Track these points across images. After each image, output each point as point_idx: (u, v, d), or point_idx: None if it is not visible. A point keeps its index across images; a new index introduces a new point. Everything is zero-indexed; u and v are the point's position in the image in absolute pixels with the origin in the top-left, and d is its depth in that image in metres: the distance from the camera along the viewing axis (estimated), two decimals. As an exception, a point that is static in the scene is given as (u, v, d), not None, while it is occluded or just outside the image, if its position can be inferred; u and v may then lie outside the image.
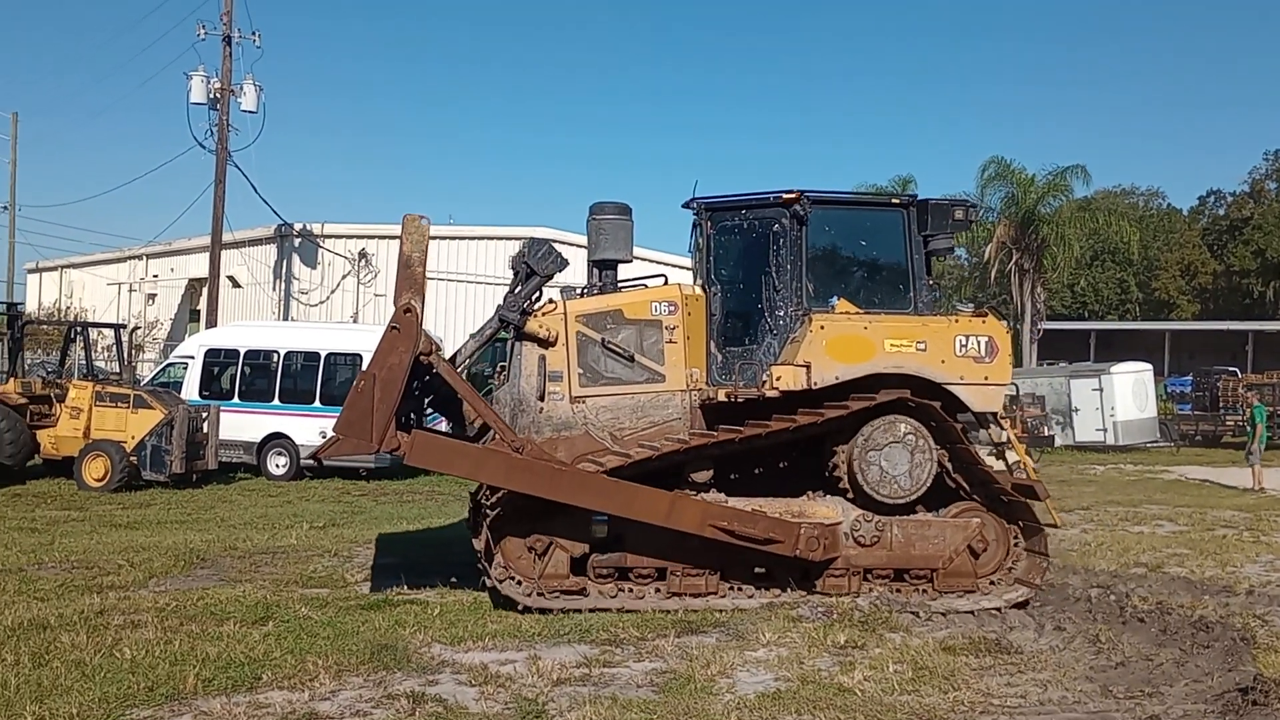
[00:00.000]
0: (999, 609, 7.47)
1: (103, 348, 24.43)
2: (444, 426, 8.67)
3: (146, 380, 18.88)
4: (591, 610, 7.17)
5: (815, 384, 7.39)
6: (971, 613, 7.41)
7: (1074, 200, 33.06)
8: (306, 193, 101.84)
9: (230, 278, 26.53)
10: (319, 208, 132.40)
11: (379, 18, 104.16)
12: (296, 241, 26.30)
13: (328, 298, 26.25)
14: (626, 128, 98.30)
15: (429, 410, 8.01)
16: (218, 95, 23.89)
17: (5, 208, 36.82)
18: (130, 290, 33.90)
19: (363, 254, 26.09)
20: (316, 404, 16.69)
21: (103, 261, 36.02)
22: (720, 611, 7.25)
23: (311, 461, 7.80)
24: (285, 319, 24.90)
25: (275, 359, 17.39)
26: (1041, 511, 7.77)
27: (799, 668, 5.95)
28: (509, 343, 8.00)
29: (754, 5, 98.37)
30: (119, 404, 15.19)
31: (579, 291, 8.24)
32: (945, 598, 7.56)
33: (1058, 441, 25.61)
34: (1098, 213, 36.63)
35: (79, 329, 18.42)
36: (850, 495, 7.61)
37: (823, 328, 7.49)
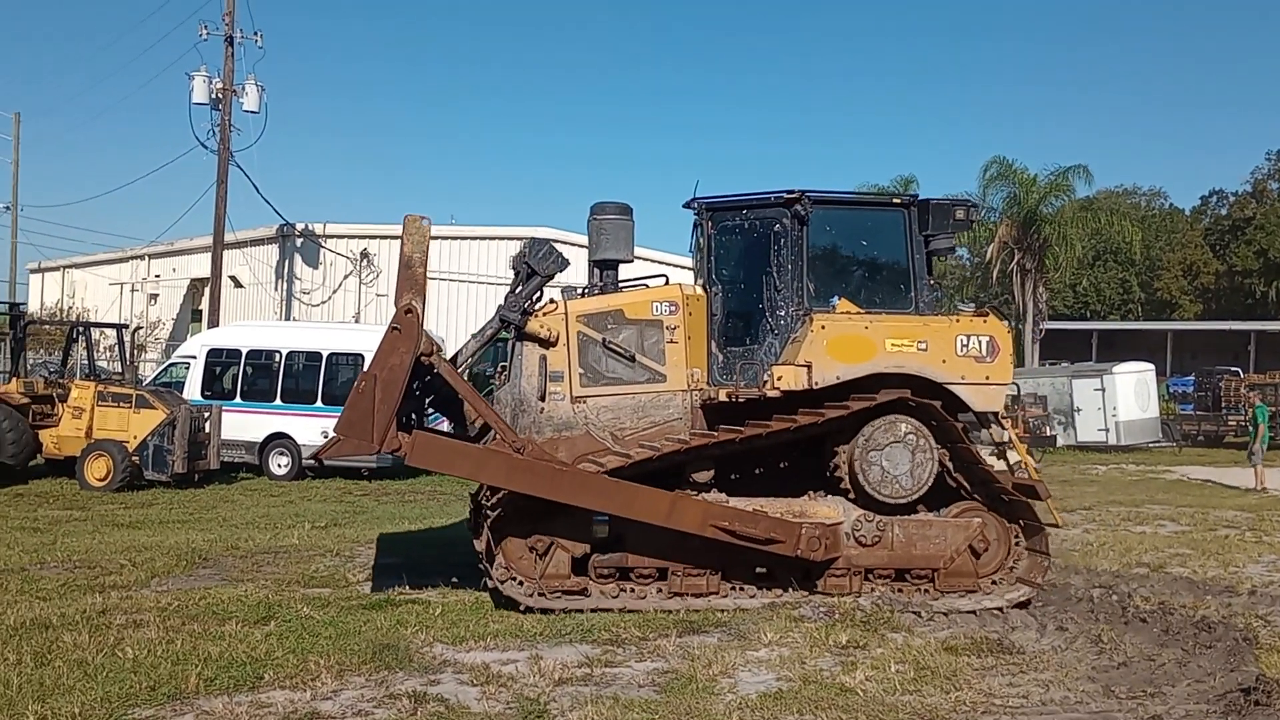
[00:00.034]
0: (1001, 609, 7.47)
1: (105, 348, 24.49)
2: (445, 427, 8.68)
3: (148, 380, 18.90)
4: (593, 610, 7.17)
5: (816, 384, 7.39)
6: (973, 612, 7.41)
7: (1076, 200, 33.07)
8: (308, 193, 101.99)
9: (232, 278, 26.57)
10: (321, 208, 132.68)
11: (379, 18, 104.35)
12: (298, 241, 26.33)
13: (329, 298, 26.27)
14: (626, 128, 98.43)
15: (430, 410, 8.02)
16: (220, 95, 23.92)
17: (8, 208, 36.89)
18: (132, 290, 33.95)
19: (364, 254, 26.12)
20: (318, 404, 16.70)
21: (105, 261, 36.08)
22: (722, 611, 7.25)
23: (312, 462, 7.82)
24: (287, 319, 24.92)
25: (277, 359, 17.40)
26: (1043, 511, 7.76)
27: (801, 668, 5.95)
28: (510, 343, 8.00)
29: (754, 5, 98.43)
30: (121, 404, 15.21)
31: (580, 291, 8.24)
32: (947, 597, 7.55)
33: (1060, 441, 25.60)
34: (1100, 212, 36.64)
35: (81, 329, 18.44)
36: (851, 495, 7.60)
37: (824, 327, 7.49)
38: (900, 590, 7.62)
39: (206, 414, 15.50)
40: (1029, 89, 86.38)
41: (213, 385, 17.52)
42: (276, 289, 26.49)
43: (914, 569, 7.64)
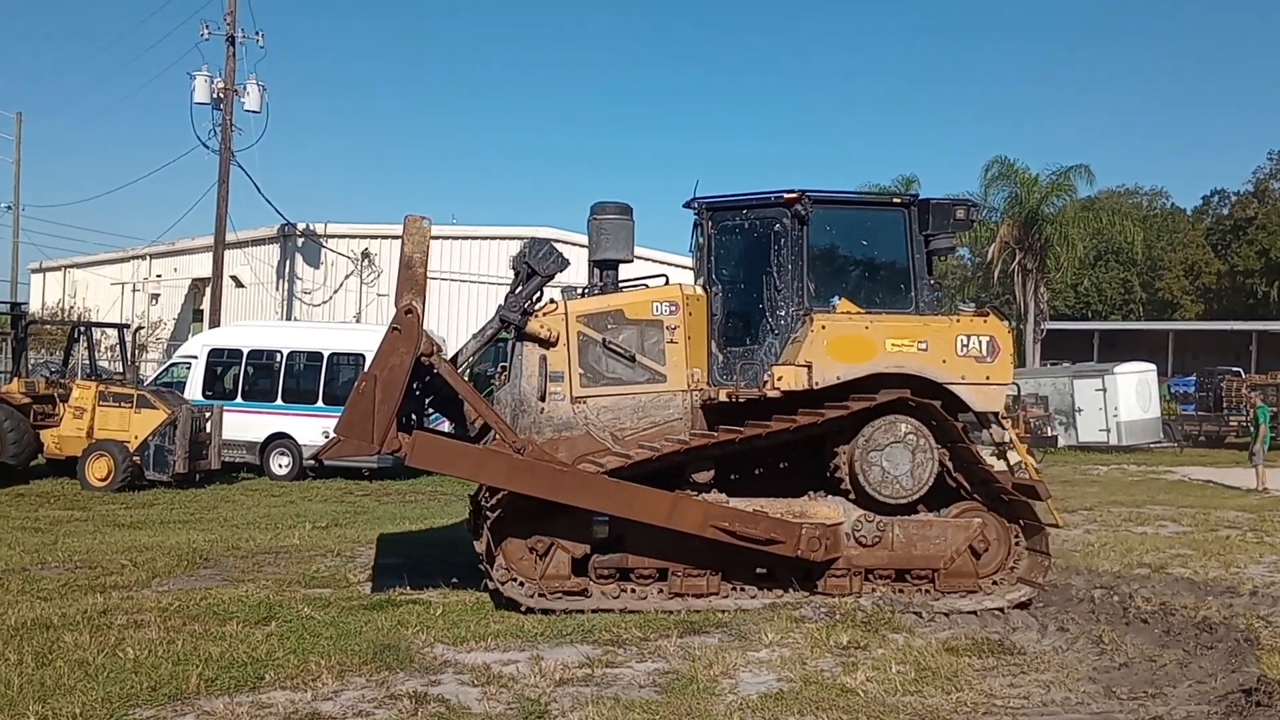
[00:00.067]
0: (1002, 609, 7.46)
1: (106, 347, 24.51)
2: (446, 427, 8.68)
3: (150, 380, 18.92)
4: (594, 611, 7.17)
5: (817, 384, 7.39)
6: (974, 613, 7.40)
7: (1077, 200, 33.03)
8: (309, 192, 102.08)
9: (233, 277, 26.58)
10: (322, 207, 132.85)
11: (380, 18, 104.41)
12: (299, 241, 26.34)
13: (331, 298, 26.28)
14: (626, 128, 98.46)
15: (430, 411, 8.01)
16: (221, 95, 23.93)
17: (9, 207, 36.91)
18: (134, 290, 33.98)
19: (365, 254, 26.13)
20: (319, 404, 16.71)
21: (106, 261, 36.11)
22: (723, 612, 7.25)
23: (312, 462, 7.82)
24: (288, 319, 24.93)
25: (278, 359, 17.41)
26: (1043, 511, 7.75)
27: (801, 668, 5.95)
28: (510, 343, 8.00)
29: (754, 5, 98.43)
30: (122, 404, 15.22)
31: (580, 291, 8.24)
32: (947, 598, 7.55)
33: (1061, 442, 25.59)
34: (1101, 212, 36.62)
35: (82, 329, 18.45)
36: (851, 496, 7.60)
37: (824, 327, 7.48)
38: (901, 591, 7.61)
39: (207, 414, 15.51)
40: (1029, 89, 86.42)
41: (214, 385, 17.53)
42: (278, 289, 26.50)
43: (914, 569, 7.63)
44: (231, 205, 23.92)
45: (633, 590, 7.43)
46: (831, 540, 7.43)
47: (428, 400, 7.74)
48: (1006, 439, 8.04)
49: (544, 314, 7.63)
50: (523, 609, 7.10)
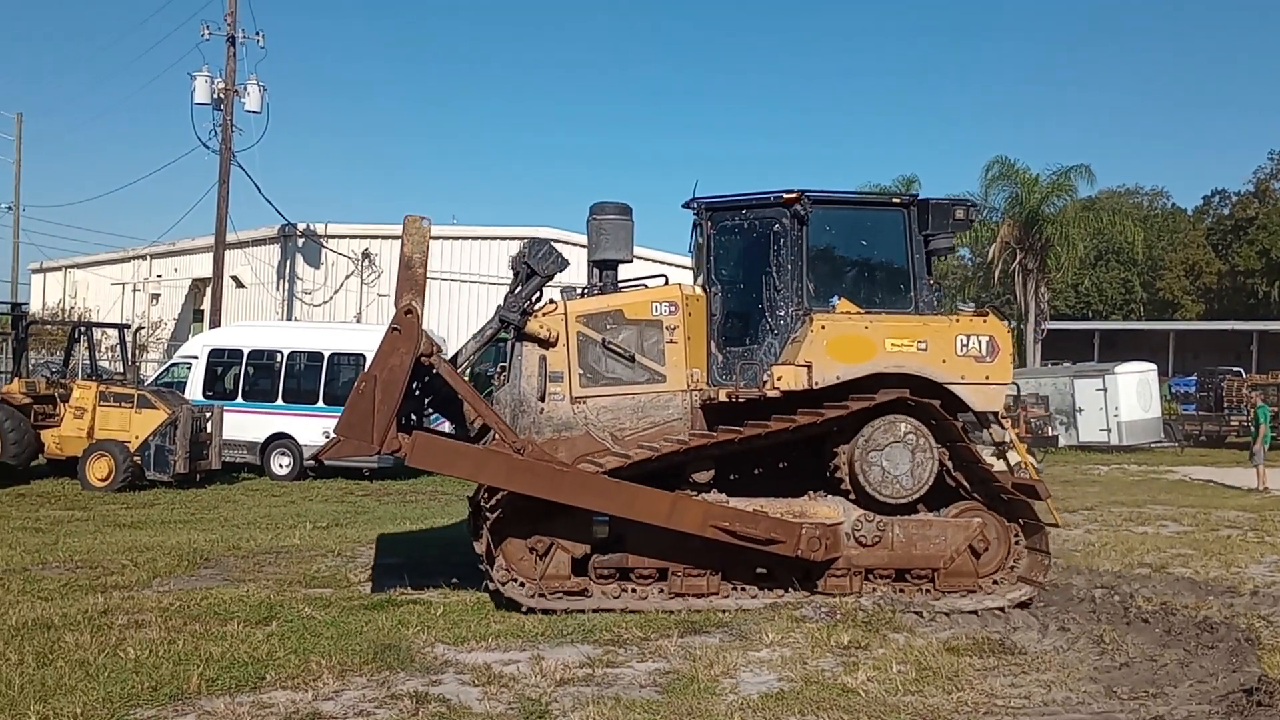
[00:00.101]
0: (1003, 608, 7.46)
1: (107, 348, 24.53)
2: (447, 427, 8.68)
3: (150, 380, 18.93)
4: (595, 611, 7.17)
5: (816, 384, 7.39)
6: (975, 612, 7.40)
7: (1078, 200, 33.03)
8: (310, 193, 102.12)
9: (234, 278, 26.58)
10: (322, 208, 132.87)
11: (380, 18, 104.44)
12: (300, 241, 26.35)
13: (331, 298, 26.29)
14: (626, 128, 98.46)
15: (429, 411, 8.01)
16: (221, 95, 23.94)
17: (9, 208, 36.92)
18: (134, 290, 33.99)
19: (366, 254, 26.13)
20: (320, 404, 16.71)
21: (107, 262, 36.11)
22: (723, 612, 7.25)
23: (312, 462, 7.82)
24: (289, 319, 24.94)
25: (279, 359, 17.41)
26: (1043, 511, 7.75)
27: (802, 668, 5.95)
28: (509, 343, 8.00)
29: (754, 5, 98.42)
30: (123, 404, 15.22)
31: (579, 292, 8.24)
32: (948, 597, 7.55)
33: (1061, 442, 25.58)
34: (1102, 212, 36.60)
35: (83, 329, 18.46)
36: (851, 495, 7.60)
37: (824, 327, 7.48)
38: (901, 590, 7.62)
39: (208, 414, 15.51)
40: (1029, 89, 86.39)
41: (214, 385, 17.53)
42: (278, 289, 26.51)
43: (914, 569, 7.63)
44: (232, 205, 23.96)
45: (633, 590, 7.43)
46: (831, 540, 7.43)
47: (427, 400, 7.74)
48: (1006, 439, 8.04)
49: (543, 314, 7.63)
50: (523, 609, 7.10)
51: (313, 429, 16.08)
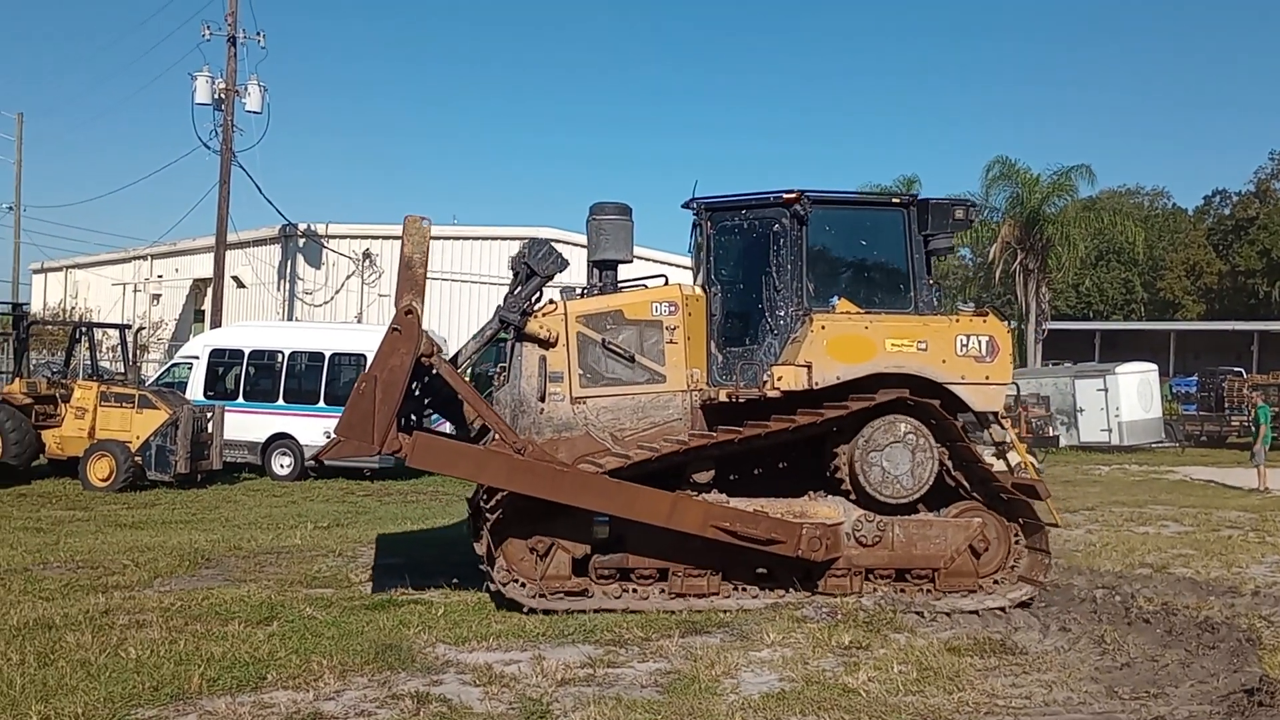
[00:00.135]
0: (1003, 608, 7.46)
1: (108, 348, 24.54)
2: (447, 428, 8.68)
3: (151, 380, 18.94)
4: (596, 611, 7.17)
5: (816, 384, 7.39)
6: (976, 612, 7.40)
7: (1079, 200, 33.02)
8: (310, 193, 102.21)
9: (235, 278, 26.59)
10: (323, 208, 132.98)
11: (380, 18, 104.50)
12: (301, 242, 26.36)
13: (332, 298, 26.29)
14: (626, 128, 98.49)
15: (429, 412, 8.01)
16: (222, 96, 23.95)
17: (10, 208, 36.98)
18: (135, 290, 34.00)
19: (367, 254, 26.14)
20: (321, 404, 16.72)
21: (108, 262, 36.13)
22: (724, 612, 7.25)
23: (313, 462, 7.82)
24: (289, 319, 24.95)
25: (280, 359, 17.42)
26: (1043, 511, 7.76)
27: (803, 668, 5.95)
28: (509, 343, 8.00)
29: (754, 5, 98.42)
30: (124, 404, 15.23)
31: (579, 292, 8.24)
32: (949, 597, 7.55)
33: (1062, 442, 25.57)
34: (1103, 212, 36.59)
35: (84, 329, 18.48)
36: (852, 495, 7.60)
37: (824, 328, 7.48)
38: (902, 590, 7.62)
39: (209, 414, 15.52)
40: (1029, 89, 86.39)
41: (215, 385, 17.54)
42: (279, 289, 26.52)
43: (914, 569, 7.63)
44: (233, 206, 23.97)
45: (634, 590, 7.44)
46: (832, 540, 7.43)
47: (427, 401, 7.75)
48: (1006, 439, 8.04)
49: (543, 314, 7.63)
50: (524, 610, 7.10)
51: (314, 429, 16.09)
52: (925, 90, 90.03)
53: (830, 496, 7.70)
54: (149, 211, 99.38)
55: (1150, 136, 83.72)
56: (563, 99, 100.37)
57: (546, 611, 7.10)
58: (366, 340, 16.07)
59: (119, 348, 19.20)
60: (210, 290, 24.98)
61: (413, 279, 7.04)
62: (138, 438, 14.82)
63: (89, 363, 18.04)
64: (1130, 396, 25.85)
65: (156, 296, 33.64)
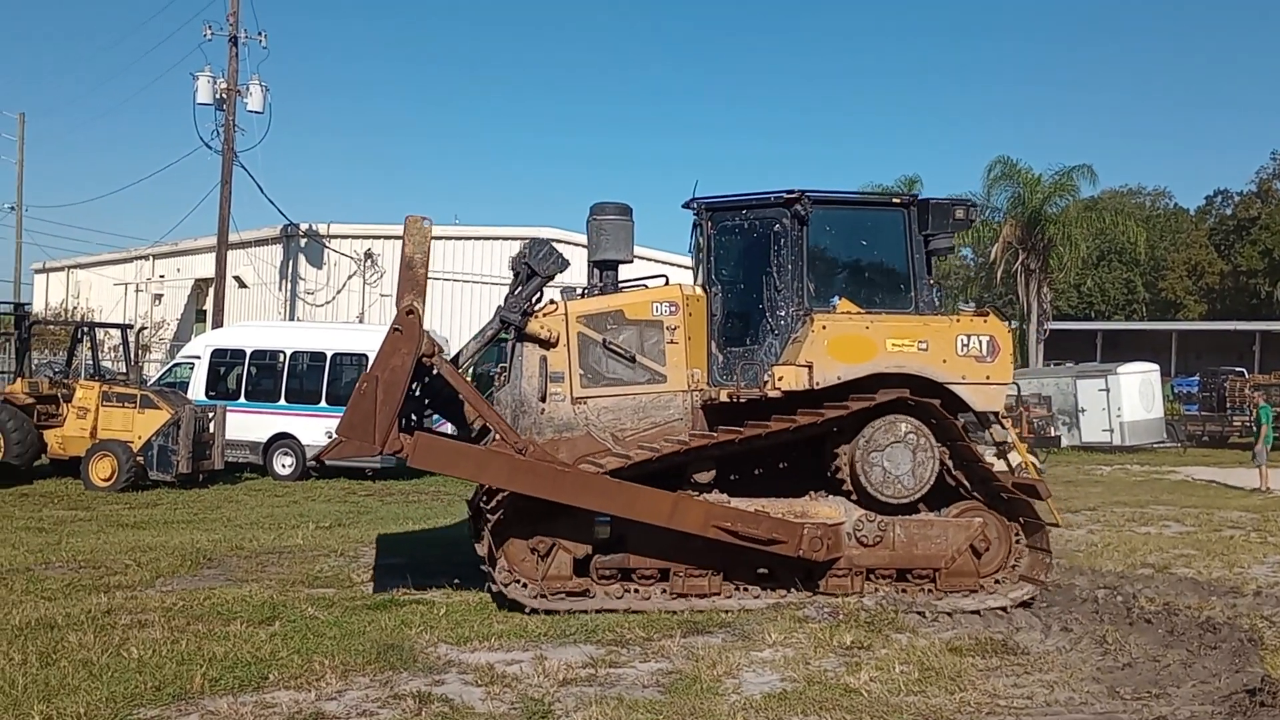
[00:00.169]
0: (1005, 608, 7.46)
1: (109, 348, 24.56)
2: (449, 428, 8.68)
3: (153, 380, 18.96)
4: (597, 611, 7.17)
5: (817, 384, 7.39)
6: (977, 612, 7.40)
7: (1080, 200, 32.97)
8: (312, 193, 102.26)
9: (236, 278, 26.61)
10: (324, 208, 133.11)
11: (381, 18, 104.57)
12: (302, 242, 26.37)
13: (334, 298, 26.30)
14: (626, 128, 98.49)
15: (429, 412, 8.01)
16: (224, 96, 23.96)
17: (12, 208, 37.01)
18: (137, 290, 34.03)
19: (368, 254, 26.15)
20: (322, 404, 16.74)
21: (109, 262, 36.15)
22: (726, 612, 7.25)
23: (314, 462, 7.84)
24: (291, 319, 24.95)
25: (281, 359, 17.43)
26: (1044, 511, 7.76)
27: (805, 668, 5.95)
28: (510, 344, 8.01)
29: (754, 5, 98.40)
30: (126, 404, 15.25)
31: (580, 292, 8.25)
32: (950, 597, 7.55)
33: (1064, 442, 25.55)
34: (1104, 212, 36.55)
35: (86, 329, 18.50)
36: (853, 496, 7.60)
37: (825, 328, 7.49)
38: (903, 590, 7.62)
39: (211, 414, 15.53)
40: (1030, 89, 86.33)
41: (217, 385, 17.56)
42: (280, 289, 26.54)
43: (916, 569, 7.63)
44: (234, 206, 23.98)
45: (635, 590, 7.44)
46: (833, 540, 7.43)
47: (427, 401, 7.75)
48: (1007, 439, 8.04)
49: (544, 315, 7.63)
50: (526, 610, 7.11)
51: (315, 429, 16.10)
52: (925, 90, 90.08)
53: (831, 496, 7.70)
54: (151, 211, 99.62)
55: (1152, 136, 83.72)
56: (563, 99, 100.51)
57: (548, 612, 7.11)
58: (368, 340, 16.08)
59: (121, 348, 19.22)
60: (212, 290, 25.00)
61: (414, 279, 7.04)
62: (139, 438, 14.84)
63: (91, 363, 18.07)
64: (1132, 397, 25.83)
65: (158, 296, 33.67)
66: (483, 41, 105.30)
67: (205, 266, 28.42)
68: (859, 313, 7.71)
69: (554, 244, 7.67)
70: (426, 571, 8.35)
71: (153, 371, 23.18)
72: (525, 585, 7.24)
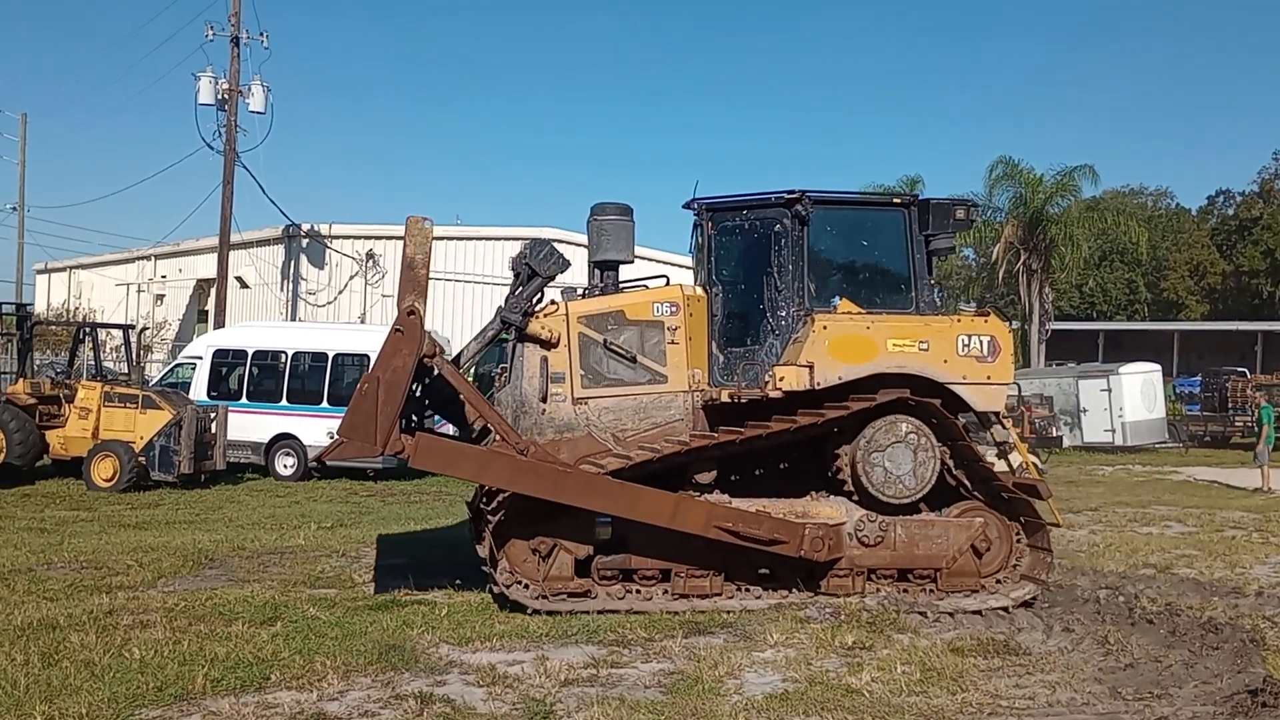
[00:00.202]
0: (1007, 608, 7.46)
1: (111, 348, 24.57)
2: (450, 429, 8.69)
3: (155, 381, 18.98)
4: (599, 612, 7.18)
5: (818, 384, 7.39)
6: (979, 612, 7.40)
7: (1082, 200, 32.96)
8: (313, 193, 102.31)
9: (238, 278, 26.65)
10: (326, 208, 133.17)
11: (381, 18, 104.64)
12: (304, 242, 26.40)
13: (335, 298, 26.33)
14: (626, 128, 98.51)
15: (430, 412, 8.02)
16: (225, 96, 24.00)
17: (14, 208, 37.07)
18: (139, 291, 34.08)
19: (370, 254, 26.18)
20: (324, 404, 16.75)
21: (111, 262, 36.21)
22: (728, 613, 7.25)
23: (316, 463, 7.85)
24: (293, 319, 25.00)
25: (283, 359, 17.45)
26: (1045, 510, 7.75)
27: (807, 669, 5.95)
28: (511, 344, 8.01)
29: (754, 5, 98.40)
30: (127, 404, 15.27)
31: (581, 292, 8.25)
32: (952, 597, 7.55)
33: (1066, 442, 25.53)
34: (1106, 213, 36.53)
35: (87, 329, 18.51)
36: (854, 496, 7.60)
37: (825, 328, 7.49)
38: (905, 590, 7.62)
39: (212, 414, 15.55)
40: (1031, 89, 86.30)
41: (219, 386, 17.58)
42: (282, 289, 26.57)
43: (917, 569, 7.63)
44: (236, 206, 24.02)
45: (637, 591, 7.44)
46: (834, 540, 7.43)
47: (428, 402, 7.75)
48: (1008, 439, 8.04)
49: (545, 315, 7.63)
50: (528, 611, 7.11)
51: (317, 429, 16.11)
52: (926, 90, 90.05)
53: (832, 497, 7.70)
54: (152, 212, 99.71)
55: (1153, 137, 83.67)
56: (563, 99, 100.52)
57: (550, 612, 7.11)
58: (369, 341, 16.09)
59: (123, 348, 19.24)
60: (214, 290, 25.04)
61: (415, 279, 7.05)
62: (141, 438, 14.85)
63: (93, 363, 18.08)
64: (1134, 397, 25.81)
65: (160, 297, 33.71)
66: (483, 41, 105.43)
67: (207, 267, 28.46)
68: (860, 313, 7.71)
69: (555, 244, 7.67)
70: (428, 572, 8.35)
71: (154, 372, 23.20)
72: (527, 586, 7.24)
